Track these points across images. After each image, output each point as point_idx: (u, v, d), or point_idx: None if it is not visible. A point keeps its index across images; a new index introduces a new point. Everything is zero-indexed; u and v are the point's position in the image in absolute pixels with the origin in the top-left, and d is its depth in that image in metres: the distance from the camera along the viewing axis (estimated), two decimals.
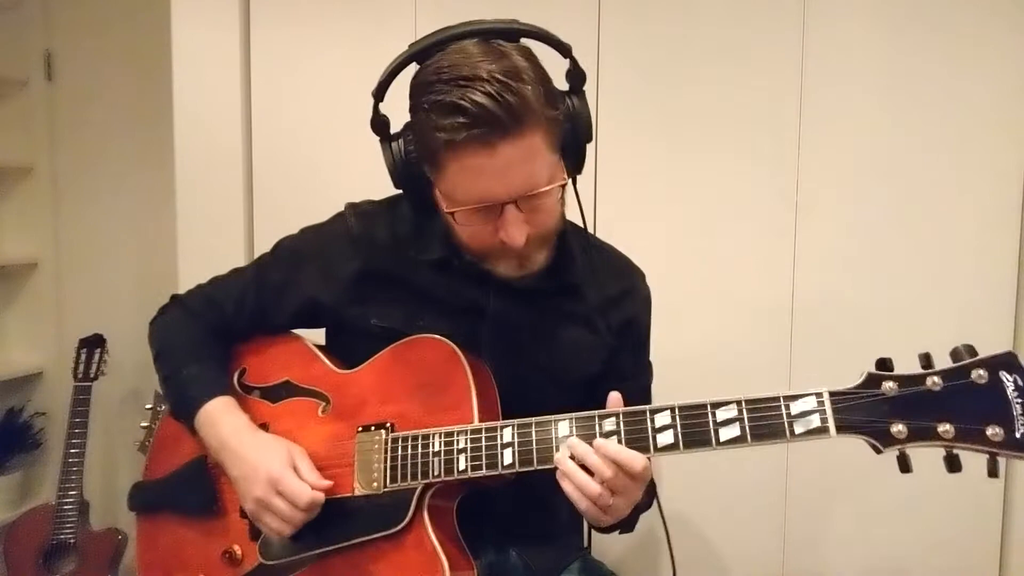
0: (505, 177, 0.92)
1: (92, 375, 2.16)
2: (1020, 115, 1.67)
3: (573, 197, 1.09)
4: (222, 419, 1.10)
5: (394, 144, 1.02)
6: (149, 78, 2.29)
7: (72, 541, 2.08)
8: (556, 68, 1.00)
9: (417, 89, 0.95)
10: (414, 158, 0.99)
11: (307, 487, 1.01)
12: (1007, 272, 1.70)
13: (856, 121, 1.72)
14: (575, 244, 1.13)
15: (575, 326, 1.13)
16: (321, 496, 1.01)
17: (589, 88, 1.03)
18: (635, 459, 0.89)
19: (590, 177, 1.79)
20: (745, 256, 1.78)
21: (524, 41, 0.98)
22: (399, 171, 1.02)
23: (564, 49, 1.00)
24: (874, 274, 1.73)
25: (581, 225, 1.13)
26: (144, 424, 2.05)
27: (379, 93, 1.01)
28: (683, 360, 1.73)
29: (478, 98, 0.88)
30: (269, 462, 1.03)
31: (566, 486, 0.91)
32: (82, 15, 2.43)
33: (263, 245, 1.90)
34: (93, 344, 2.19)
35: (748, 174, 1.77)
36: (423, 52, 0.96)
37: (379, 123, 1.02)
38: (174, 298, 1.26)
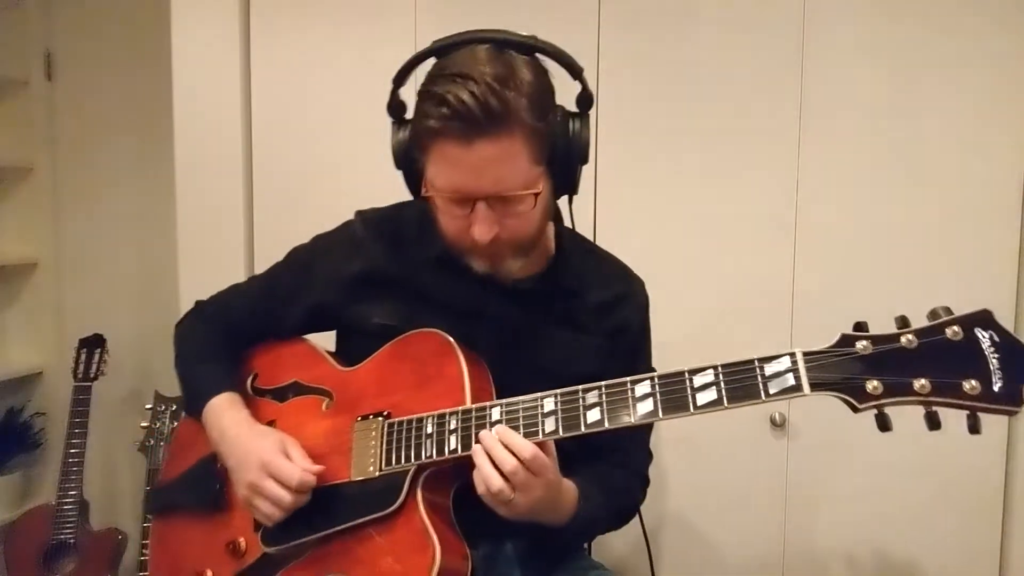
0: (478, 173, 0.98)
1: (92, 375, 2.16)
2: (1020, 115, 1.67)
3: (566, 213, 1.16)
4: (225, 413, 1.15)
5: (401, 128, 1.10)
6: (149, 78, 2.29)
7: (72, 541, 2.08)
8: (573, 89, 1.06)
9: (426, 79, 1.02)
10: (413, 140, 1.05)
11: (297, 468, 1.05)
12: (1007, 271, 1.70)
13: (856, 120, 1.72)
14: (573, 248, 1.18)
15: (570, 329, 1.16)
16: (311, 477, 1.05)
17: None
18: (523, 445, 0.94)
19: (590, 176, 1.79)
20: (745, 256, 1.78)
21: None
22: (398, 152, 1.09)
23: (575, 70, 1.06)
24: (874, 275, 1.73)
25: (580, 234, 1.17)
26: (144, 424, 2.06)
27: (398, 79, 1.10)
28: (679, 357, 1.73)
29: (462, 95, 0.94)
30: (261, 449, 1.08)
31: (476, 476, 0.96)
32: (82, 15, 2.43)
33: (263, 245, 1.93)
34: (93, 344, 2.19)
35: (748, 174, 1.77)
36: (443, 49, 1.04)
37: (394, 106, 1.10)
38: (197, 304, 1.33)
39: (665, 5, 1.77)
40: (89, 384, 2.15)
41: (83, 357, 2.17)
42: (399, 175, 1.83)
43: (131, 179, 2.43)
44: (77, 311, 2.48)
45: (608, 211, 1.80)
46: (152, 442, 2.00)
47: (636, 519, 1.24)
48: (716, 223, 1.79)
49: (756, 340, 1.77)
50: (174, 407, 2.02)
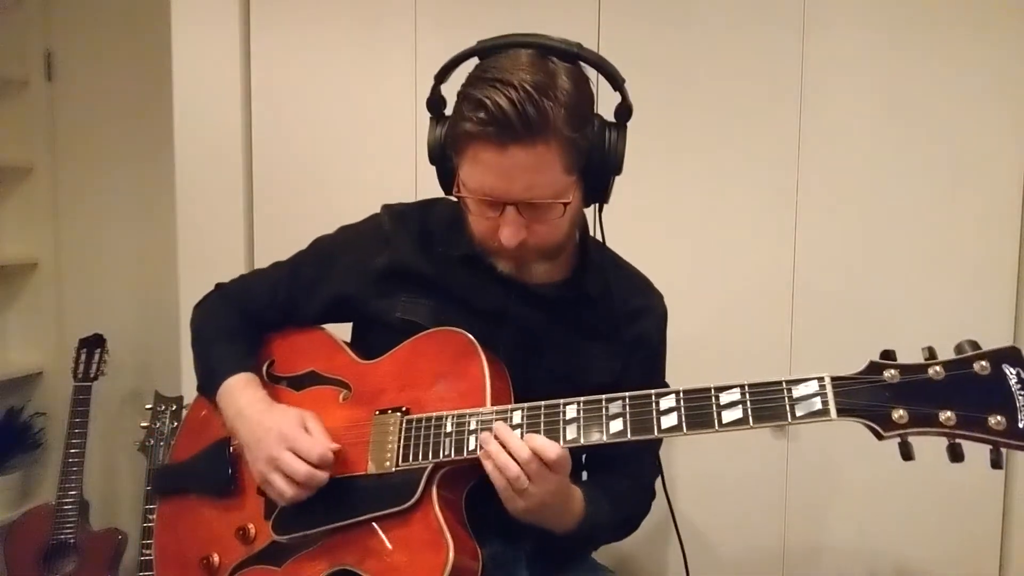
0: (510, 179, 0.99)
1: (92, 375, 2.16)
2: (1020, 115, 1.67)
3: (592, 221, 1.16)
4: (243, 392, 1.15)
5: (439, 124, 1.10)
6: (149, 78, 2.29)
7: (72, 541, 2.07)
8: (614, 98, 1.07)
9: (467, 80, 1.03)
10: (448, 140, 1.06)
11: (318, 443, 1.05)
12: (1007, 272, 1.70)
13: (856, 120, 1.73)
14: (598, 259, 1.19)
15: (590, 336, 1.17)
16: (330, 454, 1.04)
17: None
18: (549, 446, 0.95)
19: None
20: (744, 255, 1.78)
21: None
22: (434, 148, 1.09)
23: (616, 81, 1.07)
24: (874, 275, 1.73)
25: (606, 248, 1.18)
26: (144, 424, 2.06)
27: (440, 76, 1.09)
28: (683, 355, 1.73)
29: (501, 101, 0.95)
30: (281, 423, 1.07)
31: (487, 465, 0.97)
32: (82, 15, 2.43)
33: (263, 245, 1.93)
34: (93, 344, 2.19)
35: (748, 173, 1.77)
36: (486, 51, 1.04)
37: (434, 102, 1.10)
38: (217, 285, 1.32)
39: (665, 2, 1.77)
40: (89, 384, 2.15)
41: (83, 357, 2.17)
42: (399, 173, 1.82)
43: (131, 179, 2.43)
44: (77, 311, 2.47)
45: (607, 208, 1.80)
46: (152, 442, 2.00)
47: (647, 523, 1.24)
48: (715, 221, 1.78)
49: (756, 339, 1.77)
50: (174, 407, 2.01)
